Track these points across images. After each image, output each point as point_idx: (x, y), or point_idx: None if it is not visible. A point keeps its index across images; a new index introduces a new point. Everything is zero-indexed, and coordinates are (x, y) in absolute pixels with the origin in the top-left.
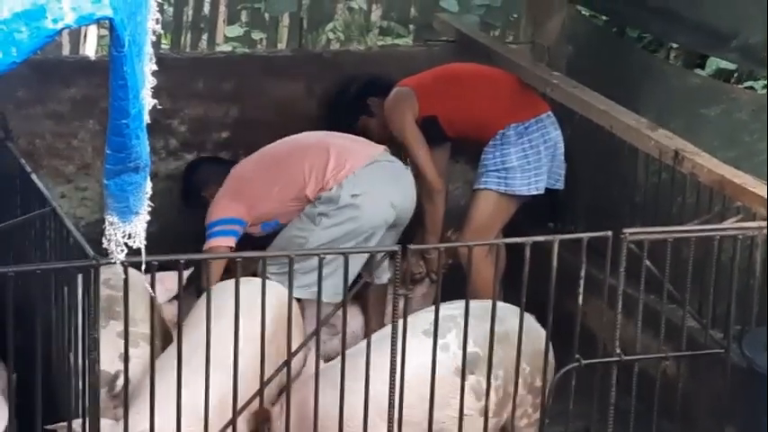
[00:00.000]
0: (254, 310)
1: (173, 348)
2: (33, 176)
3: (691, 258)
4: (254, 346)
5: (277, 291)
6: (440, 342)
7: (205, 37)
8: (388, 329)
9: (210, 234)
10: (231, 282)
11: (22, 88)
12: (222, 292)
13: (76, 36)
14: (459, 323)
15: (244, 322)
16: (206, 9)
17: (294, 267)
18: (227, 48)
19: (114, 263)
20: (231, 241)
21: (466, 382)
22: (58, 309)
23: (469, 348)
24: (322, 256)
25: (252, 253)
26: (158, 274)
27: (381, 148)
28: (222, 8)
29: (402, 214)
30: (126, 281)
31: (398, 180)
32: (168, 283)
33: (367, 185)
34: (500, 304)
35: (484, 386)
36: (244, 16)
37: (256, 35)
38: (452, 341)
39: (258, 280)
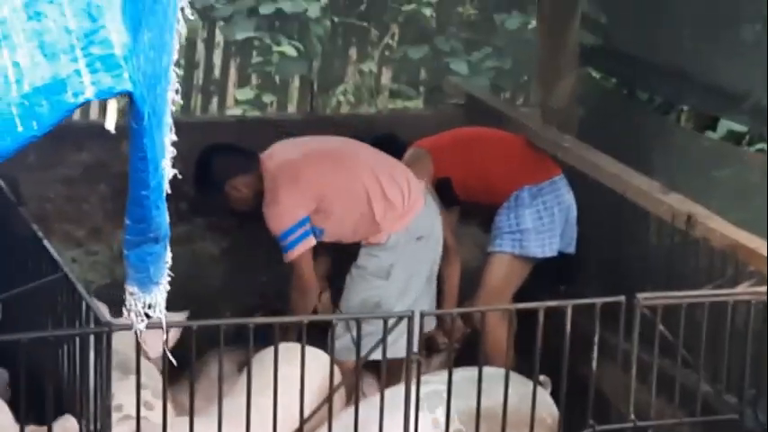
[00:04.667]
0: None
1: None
2: (45, 242)
3: (704, 323)
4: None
5: (322, 361)
6: (430, 417)
7: (215, 100)
8: (392, 397)
9: (287, 245)
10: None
11: (33, 153)
12: (266, 362)
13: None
14: (444, 398)
15: (289, 397)
16: (216, 72)
17: (366, 331)
18: (237, 111)
19: (130, 328)
20: (311, 242)
21: None
22: (71, 374)
23: (454, 426)
24: (335, 321)
25: (266, 319)
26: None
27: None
28: (232, 71)
29: (441, 243)
30: (138, 347)
31: (438, 210)
32: (150, 341)
33: (428, 225)
34: (489, 371)
35: None
36: (254, 79)
37: (267, 98)
38: (441, 416)
39: (308, 350)
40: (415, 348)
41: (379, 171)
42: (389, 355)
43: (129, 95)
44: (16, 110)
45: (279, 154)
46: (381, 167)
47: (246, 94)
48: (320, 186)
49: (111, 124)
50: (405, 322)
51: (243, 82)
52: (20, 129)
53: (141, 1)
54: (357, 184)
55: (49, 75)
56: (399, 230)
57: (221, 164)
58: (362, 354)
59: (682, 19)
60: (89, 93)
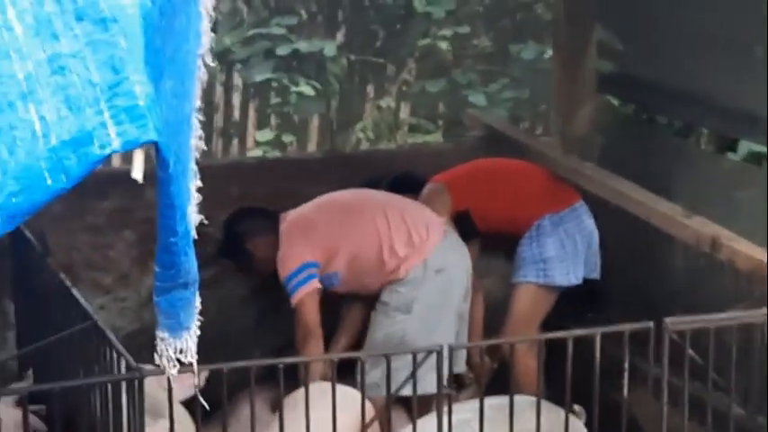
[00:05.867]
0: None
1: None
2: (74, 291)
3: (734, 345)
4: None
5: (354, 399)
6: None
7: (235, 142)
8: (422, 428)
9: (291, 289)
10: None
11: (58, 203)
12: (299, 402)
13: None
14: (473, 427)
15: None
16: (236, 114)
17: (393, 367)
18: (257, 152)
19: (161, 374)
20: (315, 284)
21: None
22: (104, 421)
23: None
24: (364, 358)
25: (295, 358)
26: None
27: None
28: (252, 113)
29: (470, 279)
30: (170, 391)
31: (462, 246)
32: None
33: (449, 259)
34: (519, 399)
35: None
36: (273, 120)
37: (287, 138)
38: None
39: (340, 389)
40: (446, 382)
41: (390, 213)
42: (419, 390)
43: (155, 144)
44: (45, 164)
45: (294, 210)
46: (392, 209)
47: (266, 135)
48: (329, 234)
49: (138, 174)
50: (433, 357)
51: (262, 123)
52: (49, 182)
53: (162, 51)
54: (368, 227)
55: (76, 128)
56: (417, 264)
57: (243, 226)
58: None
59: (698, 42)
60: (116, 144)
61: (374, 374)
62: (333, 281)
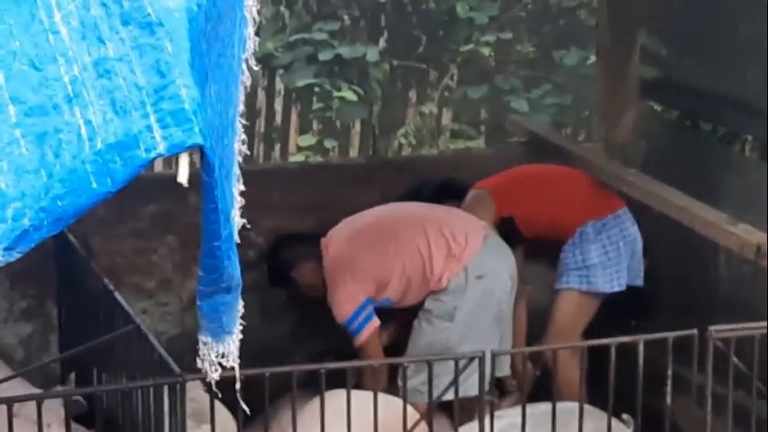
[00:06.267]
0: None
1: None
2: (117, 295)
3: None
4: None
5: (391, 406)
6: None
7: (278, 147)
8: None
9: (353, 331)
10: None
11: (101, 207)
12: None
13: None
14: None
15: None
16: (278, 119)
17: (434, 373)
18: (299, 157)
19: (204, 378)
20: (376, 323)
21: None
22: (145, 424)
23: None
24: (406, 364)
25: (338, 364)
26: None
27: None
28: (294, 118)
29: (515, 281)
30: (212, 396)
31: (505, 248)
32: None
33: (489, 264)
34: (569, 406)
35: None
36: (315, 125)
37: (329, 143)
38: None
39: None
40: (487, 388)
41: (429, 229)
42: (461, 393)
43: (200, 148)
44: (90, 167)
45: (335, 241)
46: (431, 224)
47: (308, 140)
48: (376, 269)
49: (183, 177)
50: (476, 361)
51: (304, 128)
52: (94, 185)
53: (207, 55)
54: (410, 249)
55: (122, 131)
56: (458, 272)
57: (286, 253)
58: (434, 395)
59: (742, 48)
60: (161, 148)
61: (415, 380)
62: (384, 304)
